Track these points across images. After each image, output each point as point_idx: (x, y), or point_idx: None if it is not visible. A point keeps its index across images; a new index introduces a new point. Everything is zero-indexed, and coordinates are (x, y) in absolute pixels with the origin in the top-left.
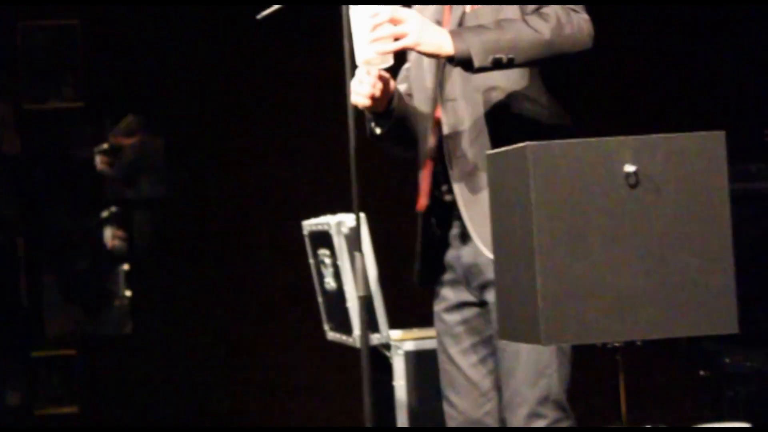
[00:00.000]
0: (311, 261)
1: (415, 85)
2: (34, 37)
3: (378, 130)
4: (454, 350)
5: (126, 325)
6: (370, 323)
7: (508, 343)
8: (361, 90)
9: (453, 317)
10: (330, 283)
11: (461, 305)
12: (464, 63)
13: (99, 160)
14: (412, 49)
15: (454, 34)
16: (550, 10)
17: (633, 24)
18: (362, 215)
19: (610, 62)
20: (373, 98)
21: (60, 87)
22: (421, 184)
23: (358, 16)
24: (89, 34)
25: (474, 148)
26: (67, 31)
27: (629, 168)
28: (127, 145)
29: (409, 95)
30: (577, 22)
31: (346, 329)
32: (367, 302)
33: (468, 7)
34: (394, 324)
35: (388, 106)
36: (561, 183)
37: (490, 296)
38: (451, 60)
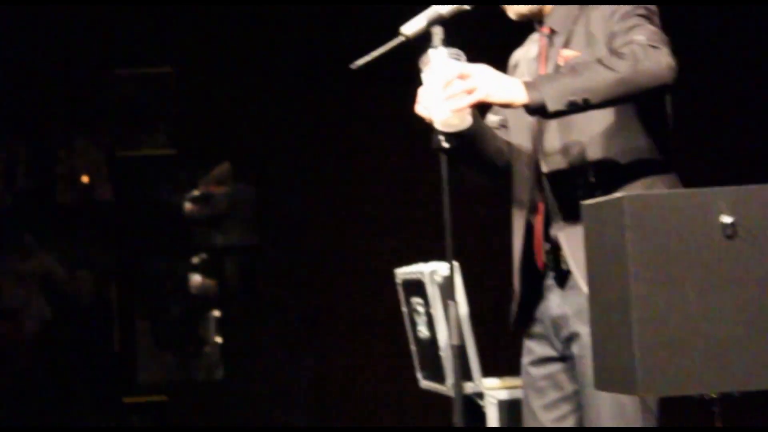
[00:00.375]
0: (404, 309)
1: (514, 121)
2: (128, 84)
3: (445, 144)
4: (537, 405)
5: (217, 371)
6: (463, 372)
7: (592, 398)
8: (427, 101)
9: (538, 371)
10: (423, 331)
11: (546, 360)
12: (539, 109)
13: (190, 207)
14: (484, 102)
15: (527, 83)
16: (627, 48)
17: (732, 71)
18: (455, 264)
19: (707, 111)
20: None
21: (153, 134)
22: (535, 237)
23: (429, 79)
24: (182, 81)
25: (578, 192)
26: (160, 78)
27: (726, 219)
28: (219, 192)
29: (504, 127)
30: (656, 57)
31: (440, 378)
32: (460, 351)
33: (561, 59)
34: (487, 372)
35: None
36: (657, 234)
37: (576, 349)
38: (527, 108)
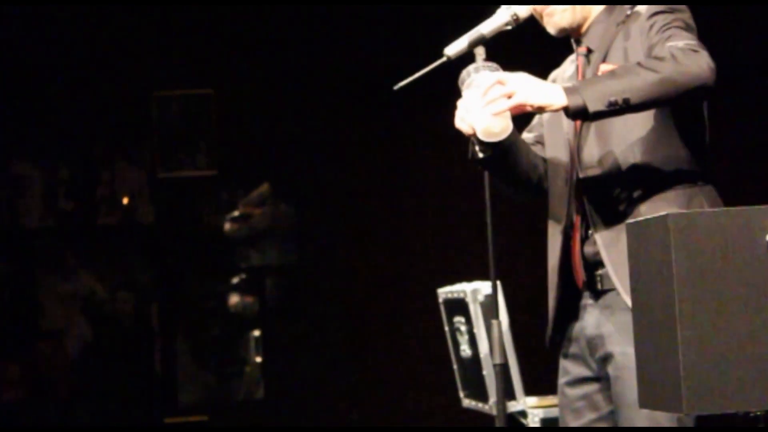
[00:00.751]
0: (446, 328)
1: (551, 135)
2: (168, 106)
3: (480, 155)
4: (574, 425)
5: (257, 390)
6: (506, 391)
7: (628, 418)
8: (466, 116)
9: (574, 392)
10: (466, 350)
11: (582, 380)
12: (579, 112)
13: (230, 227)
14: (524, 105)
15: (566, 87)
16: (665, 51)
17: None
18: (498, 283)
19: (752, 129)
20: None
21: (194, 155)
22: (573, 254)
23: (468, 92)
24: (222, 103)
25: (618, 207)
26: (201, 100)
27: None
28: (259, 213)
29: (540, 143)
30: (695, 58)
31: (482, 396)
32: (503, 370)
33: (599, 72)
34: (530, 391)
35: None
36: (702, 252)
37: (612, 369)
38: (567, 111)
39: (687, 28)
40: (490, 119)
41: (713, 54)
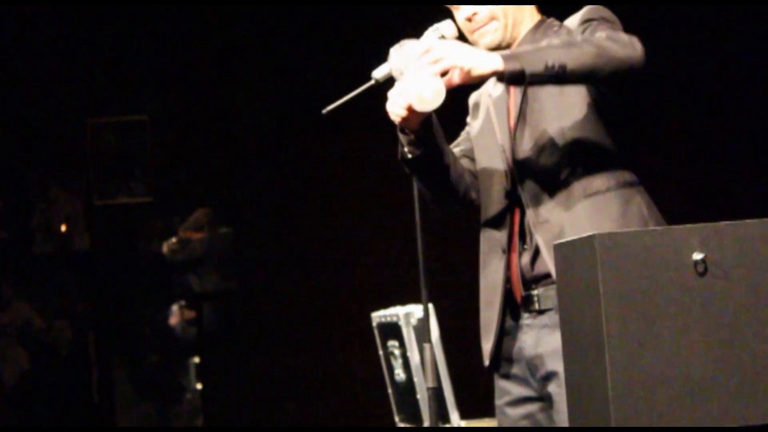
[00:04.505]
0: (381, 352)
1: (483, 150)
2: (103, 133)
3: (409, 155)
4: None
5: (197, 418)
6: (440, 414)
7: None
8: (399, 101)
9: (516, 411)
10: (400, 374)
11: (524, 400)
12: (515, 75)
13: (168, 254)
14: (455, 68)
15: (503, 54)
16: (600, 32)
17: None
18: (431, 306)
19: (679, 147)
20: (409, 111)
21: (129, 182)
22: (512, 273)
23: (402, 55)
24: (157, 129)
25: (559, 219)
26: (136, 126)
27: (697, 256)
28: (197, 239)
29: (467, 157)
30: (629, 39)
31: (417, 419)
32: (436, 393)
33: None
34: (465, 414)
35: (424, 133)
36: (629, 272)
37: (553, 388)
38: (502, 76)
39: (613, 23)
40: (422, 86)
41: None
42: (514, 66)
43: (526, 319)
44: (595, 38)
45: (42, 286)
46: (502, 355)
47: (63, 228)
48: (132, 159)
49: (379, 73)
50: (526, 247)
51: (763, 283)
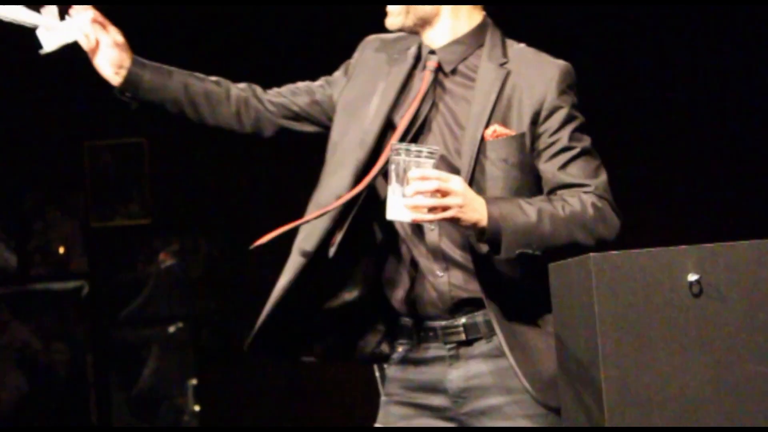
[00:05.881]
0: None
1: (348, 124)
2: (101, 155)
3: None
4: None
5: None
6: None
7: None
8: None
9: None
10: None
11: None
12: (491, 245)
13: (166, 275)
14: (449, 221)
15: (491, 211)
16: (589, 209)
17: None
18: None
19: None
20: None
21: (127, 204)
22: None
23: (401, 166)
24: (155, 151)
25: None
26: (133, 149)
27: (692, 277)
28: (193, 261)
29: (295, 114)
30: (610, 221)
31: None
32: None
33: (489, 133)
34: None
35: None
36: (624, 293)
37: (492, 422)
38: (478, 234)
39: (587, 144)
40: (404, 211)
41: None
42: (494, 241)
43: (442, 348)
44: (587, 217)
45: (39, 308)
46: (407, 383)
47: (61, 250)
48: (129, 181)
49: None
50: (446, 272)
51: (758, 304)
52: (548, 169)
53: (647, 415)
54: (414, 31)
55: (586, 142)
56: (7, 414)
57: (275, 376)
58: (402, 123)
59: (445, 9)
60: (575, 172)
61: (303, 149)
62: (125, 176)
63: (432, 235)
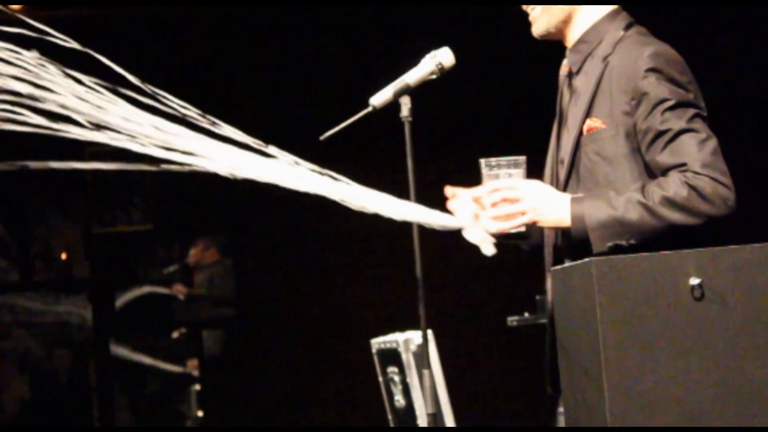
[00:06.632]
0: (380, 379)
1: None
2: (102, 161)
3: (526, 247)
4: None
5: None
6: None
7: None
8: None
9: None
10: (400, 400)
11: None
12: (583, 244)
13: (168, 281)
14: (532, 225)
15: (574, 207)
16: (682, 189)
17: None
18: (429, 332)
19: None
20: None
21: (128, 210)
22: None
23: (483, 188)
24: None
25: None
26: (135, 154)
27: (694, 281)
28: (197, 267)
29: None
30: (712, 194)
31: None
32: (436, 419)
33: (586, 128)
34: None
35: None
36: (626, 297)
37: None
38: (570, 236)
39: (694, 117)
40: (491, 223)
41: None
42: (581, 238)
43: None
44: (680, 197)
45: (41, 314)
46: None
47: (63, 256)
48: (131, 187)
49: (376, 100)
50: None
51: (760, 307)
52: (649, 158)
53: (650, 419)
54: (558, 36)
55: (682, 120)
56: (10, 419)
57: (278, 382)
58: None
59: (577, 7)
60: (671, 154)
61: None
62: (127, 182)
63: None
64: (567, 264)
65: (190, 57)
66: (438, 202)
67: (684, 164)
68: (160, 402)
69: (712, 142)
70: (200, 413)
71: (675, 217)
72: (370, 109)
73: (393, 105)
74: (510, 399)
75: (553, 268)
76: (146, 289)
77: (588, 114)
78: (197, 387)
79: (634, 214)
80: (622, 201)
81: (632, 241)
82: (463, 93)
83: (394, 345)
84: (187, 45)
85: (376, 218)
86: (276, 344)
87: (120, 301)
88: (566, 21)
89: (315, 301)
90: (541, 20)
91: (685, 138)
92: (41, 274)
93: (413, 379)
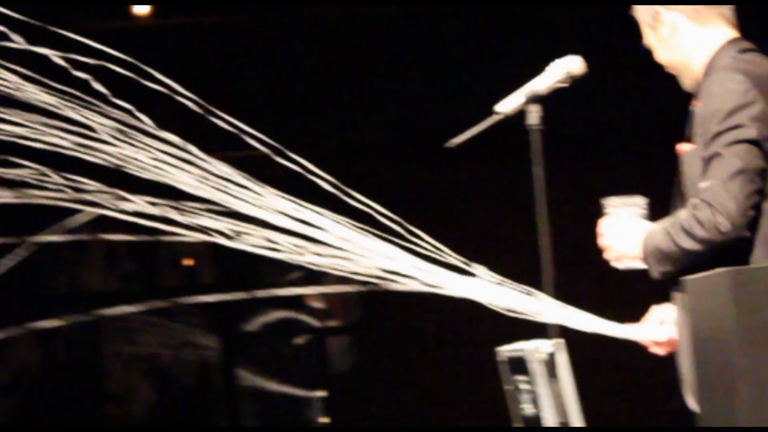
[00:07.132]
0: (507, 387)
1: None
2: None
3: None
4: None
5: None
6: None
7: None
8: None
9: None
10: (528, 408)
11: None
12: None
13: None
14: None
15: (644, 240)
16: (688, 209)
17: None
18: (560, 341)
19: None
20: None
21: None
22: None
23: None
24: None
25: None
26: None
27: None
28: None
29: None
30: (707, 219)
31: None
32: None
33: (681, 150)
34: None
35: None
36: (762, 308)
37: None
38: None
39: (732, 143)
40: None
41: None
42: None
43: None
44: (683, 222)
45: (169, 319)
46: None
47: (189, 261)
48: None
49: (503, 108)
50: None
51: None
52: None
53: None
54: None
55: (717, 146)
56: (138, 423)
57: (402, 388)
58: None
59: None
60: (702, 181)
61: (419, 160)
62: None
63: None
64: (700, 274)
65: None
66: (564, 208)
67: (699, 190)
68: (286, 407)
69: (732, 167)
70: (326, 419)
71: (685, 243)
72: (500, 116)
73: (519, 112)
74: (635, 407)
75: (684, 278)
76: (277, 314)
77: (685, 136)
78: (323, 393)
79: (663, 242)
80: (662, 230)
81: (677, 268)
82: (593, 101)
83: (522, 353)
84: None
85: (501, 223)
86: (402, 352)
87: (250, 327)
88: (683, 62)
89: (443, 308)
90: (660, 54)
91: (713, 163)
92: (167, 279)
93: (541, 388)
